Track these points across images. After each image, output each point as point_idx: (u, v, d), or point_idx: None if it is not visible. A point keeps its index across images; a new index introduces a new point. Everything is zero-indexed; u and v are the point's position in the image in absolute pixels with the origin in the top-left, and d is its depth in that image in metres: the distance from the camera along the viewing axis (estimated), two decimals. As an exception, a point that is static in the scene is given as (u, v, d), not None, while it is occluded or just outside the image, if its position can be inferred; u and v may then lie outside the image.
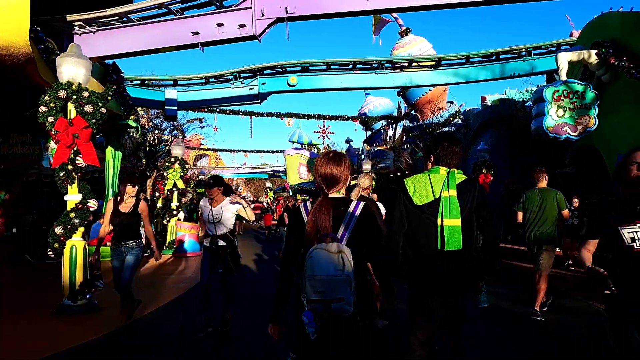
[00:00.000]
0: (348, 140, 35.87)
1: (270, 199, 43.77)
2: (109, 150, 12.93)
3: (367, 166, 19.67)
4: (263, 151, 38.46)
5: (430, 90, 19.91)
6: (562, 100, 9.25)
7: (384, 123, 26.85)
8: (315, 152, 41.39)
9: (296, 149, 39.03)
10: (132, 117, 12.26)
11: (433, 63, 14.19)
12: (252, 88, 13.73)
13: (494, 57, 13.81)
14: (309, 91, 14.06)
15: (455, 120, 20.36)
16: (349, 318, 2.16)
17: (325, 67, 13.93)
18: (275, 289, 2.39)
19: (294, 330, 2.28)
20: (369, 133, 30.29)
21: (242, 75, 13.86)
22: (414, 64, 14.17)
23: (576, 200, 10.96)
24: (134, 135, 13.19)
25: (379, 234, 2.44)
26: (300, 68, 13.90)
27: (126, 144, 18.13)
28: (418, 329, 2.73)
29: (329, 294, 2.09)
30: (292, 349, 2.30)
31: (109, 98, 10.92)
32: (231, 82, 13.73)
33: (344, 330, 2.20)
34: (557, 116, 9.16)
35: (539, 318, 6.18)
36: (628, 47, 9.83)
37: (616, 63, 9.78)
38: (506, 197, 18.06)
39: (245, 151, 37.70)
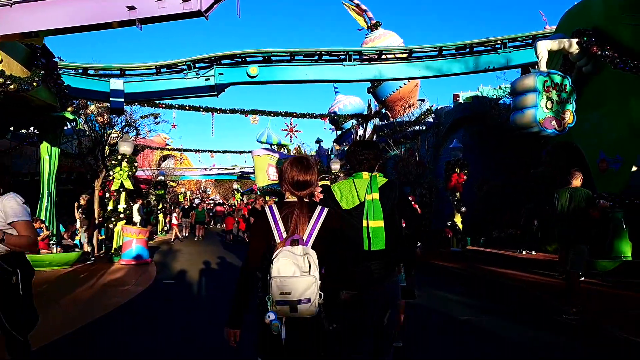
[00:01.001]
0: (318, 141, 34.85)
1: (238, 201, 42.36)
2: (44, 147, 11.52)
3: (335, 166, 18.72)
4: (230, 151, 37.12)
5: (401, 87, 19.11)
6: (551, 91, 8.47)
7: (354, 122, 25.96)
8: (285, 152, 40.27)
9: (265, 149, 37.79)
10: (69, 108, 10.90)
11: (404, 55, 13.32)
12: (208, 79, 12.54)
13: (467, 50, 13.04)
14: (270, 83, 12.98)
15: (427, 119, 19.62)
16: (314, 319, 2.22)
17: (288, 57, 12.87)
18: (235, 293, 2.32)
19: (257, 334, 2.28)
20: (339, 133, 29.37)
21: (197, 64, 12.65)
22: (384, 56, 13.26)
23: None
24: (78, 127, 11.81)
25: (342, 238, 2.50)
26: (261, 58, 12.80)
27: (80, 142, 16.72)
28: (355, 337, 2.87)
29: (295, 295, 2.12)
30: (258, 352, 2.31)
31: (35, 84, 9.68)
32: (185, 72, 12.51)
33: (309, 331, 2.25)
34: (547, 108, 8.35)
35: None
36: (612, 36, 9.13)
37: (599, 52, 9.07)
38: (481, 199, 17.38)
39: (211, 151, 36.27)
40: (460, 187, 14.22)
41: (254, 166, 35.47)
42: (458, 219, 14.33)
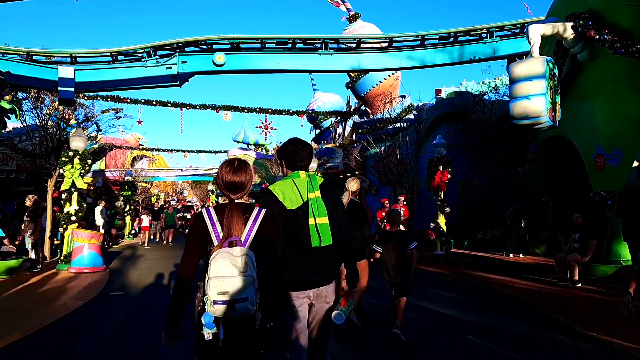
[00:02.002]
0: (296, 140, 33.84)
1: (213, 202, 41.02)
2: (-20, 140, 10.26)
3: (312, 165, 17.69)
4: (204, 151, 35.75)
5: (381, 82, 18.20)
6: (552, 79, 7.63)
7: (333, 120, 25.02)
8: (264, 152, 39.10)
9: (242, 149, 36.64)
10: (6, 97, 9.65)
11: (384, 44, 12.38)
12: (170, 67, 11.38)
13: (451, 39, 12.15)
14: (239, 72, 11.89)
15: (408, 115, 18.75)
16: (251, 318, 2.26)
17: (259, 45, 11.79)
18: (173, 296, 2.33)
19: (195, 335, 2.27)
20: (317, 131, 28.39)
21: (157, 52, 11.48)
22: (363, 45, 12.30)
23: (580, 217, 9.13)
24: (18, 118, 10.52)
25: (278, 241, 2.54)
26: (229, 45, 11.69)
27: (31, 139, 15.36)
28: (292, 327, 2.84)
29: (233, 295, 2.15)
30: (196, 352, 2.29)
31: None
32: (144, 59, 11.33)
33: (247, 331, 2.28)
34: (550, 98, 7.49)
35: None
36: (610, 20, 8.31)
37: (597, 37, 8.22)
38: (465, 199, 16.60)
39: (184, 151, 34.78)
40: (444, 186, 13.35)
41: None
42: (442, 220, 13.46)
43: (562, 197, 12.55)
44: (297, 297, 2.84)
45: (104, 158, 38.31)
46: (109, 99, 17.44)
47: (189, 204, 54.60)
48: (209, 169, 47.50)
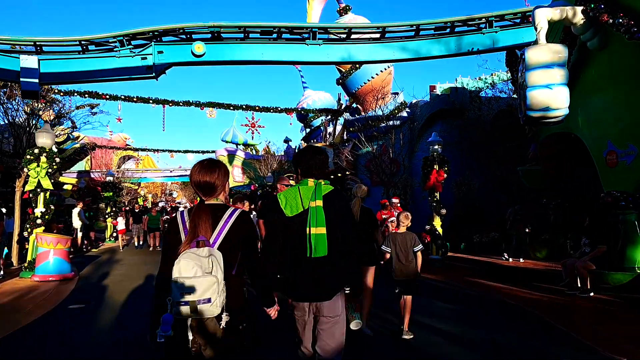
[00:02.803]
0: (287, 140, 33.00)
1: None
2: None
3: (301, 164, 16.89)
4: (192, 151, 34.71)
5: (373, 77, 17.43)
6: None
7: (324, 119, 24.22)
8: (254, 153, 38.21)
9: (230, 149, 35.77)
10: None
11: (377, 35, 11.59)
12: (145, 58, 10.50)
13: (448, 30, 11.40)
14: (220, 63, 11.03)
15: (401, 113, 17.99)
16: (215, 319, 2.23)
17: (242, 34, 10.96)
18: (154, 295, 2.37)
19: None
20: (308, 130, 27.58)
21: (131, 41, 10.60)
22: (354, 36, 11.50)
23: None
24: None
25: (254, 243, 2.47)
26: (209, 34, 10.84)
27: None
28: (297, 331, 2.92)
29: (196, 296, 2.11)
30: (165, 353, 2.31)
31: None
32: (116, 49, 10.43)
33: (209, 331, 2.24)
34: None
35: None
36: (623, 2, 7.59)
37: (610, 21, 7.49)
38: (461, 200, 15.86)
39: (171, 151, 33.81)
40: (440, 186, 12.57)
41: None
42: (437, 223, 12.68)
43: (565, 198, 11.83)
44: (296, 306, 2.86)
45: (88, 158, 37.33)
46: (86, 95, 16.54)
47: (178, 205, 53.46)
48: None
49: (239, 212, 2.42)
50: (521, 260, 12.01)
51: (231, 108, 19.33)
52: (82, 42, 10.44)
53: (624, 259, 7.76)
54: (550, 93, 6.69)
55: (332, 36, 11.46)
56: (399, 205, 12.78)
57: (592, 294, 7.49)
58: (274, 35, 11.15)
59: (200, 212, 2.35)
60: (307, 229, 2.75)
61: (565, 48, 7.06)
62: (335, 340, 2.82)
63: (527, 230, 12.20)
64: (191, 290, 2.11)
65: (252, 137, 29.19)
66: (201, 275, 2.12)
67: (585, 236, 8.00)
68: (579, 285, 7.72)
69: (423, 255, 5.44)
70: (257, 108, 19.73)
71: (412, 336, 5.14)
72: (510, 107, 16.14)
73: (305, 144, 23.15)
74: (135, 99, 17.30)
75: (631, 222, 7.74)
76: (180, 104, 18.37)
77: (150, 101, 17.62)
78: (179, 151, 37.16)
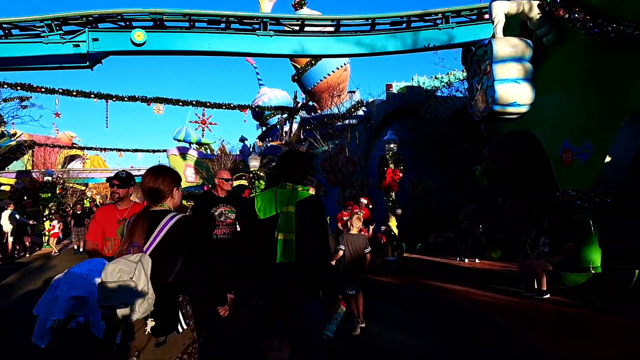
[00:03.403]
0: (242, 139, 32.11)
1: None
2: None
3: (254, 163, 16.22)
4: (141, 150, 33.38)
5: (329, 74, 17.00)
6: None
7: (280, 117, 23.62)
8: (209, 152, 36.99)
9: (183, 148, 34.47)
10: None
11: (331, 29, 11.13)
12: (78, 45, 9.58)
13: (404, 24, 11.09)
14: (162, 53, 10.25)
15: (358, 112, 17.64)
16: (135, 323, 2.25)
17: (187, 23, 10.22)
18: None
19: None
20: (264, 129, 26.87)
21: (62, 26, 9.65)
22: (308, 28, 10.99)
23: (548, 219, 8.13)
24: None
25: (197, 249, 2.45)
26: (151, 21, 10.04)
27: None
28: (267, 337, 2.87)
29: (115, 300, 2.15)
30: None
31: None
32: (44, 34, 9.46)
33: (137, 336, 2.28)
34: None
35: None
36: (580, -2, 7.44)
37: (566, 16, 7.30)
38: (416, 200, 15.66)
39: (119, 150, 32.24)
40: (396, 185, 12.23)
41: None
42: (393, 223, 12.34)
43: (520, 197, 11.74)
44: (269, 308, 2.83)
45: (29, 158, 35.11)
46: (18, 87, 15.24)
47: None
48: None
49: (178, 218, 2.39)
50: (477, 260, 11.83)
51: (180, 104, 18.41)
52: (4, 25, 9.40)
53: (579, 259, 7.61)
54: (519, 87, 6.43)
55: (284, 28, 10.89)
56: (365, 204, 12.29)
57: (548, 295, 7.27)
58: (222, 25, 10.48)
59: (139, 218, 2.40)
60: (276, 233, 2.72)
61: (529, 43, 6.83)
62: (316, 340, 2.82)
63: (480, 230, 12.06)
64: (111, 294, 2.15)
65: (203, 135, 28.18)
66: (123, 280, 2.15)
67: (545, 236, 7.79)
68: (536, 286, 7.49)
69: (377, 257, 5.63)
70: (208, 104, 18.91)
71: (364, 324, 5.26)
72: (466, 107, 16.11)
73: (261, 142, 22.49)
74: (74, 93, 16.10)
75: (586, 221, 7.60)
76: (125, 99, 17.30)
77: (92, 95, 16.48)
78: (128, 150, 35.73)
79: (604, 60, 7.22)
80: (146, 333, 2.25)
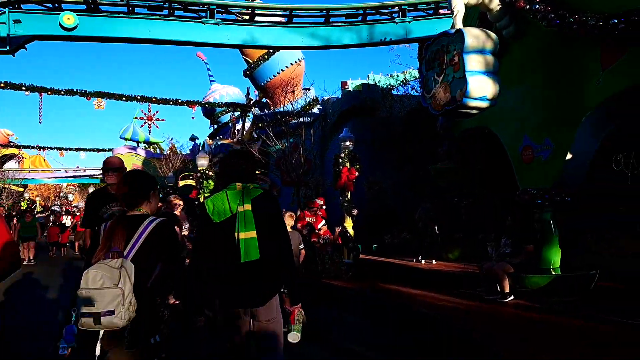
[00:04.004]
0: (193, 138, 30.95)
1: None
2: None
3: (202, 162, 15.35)
4: (84, 149, 31.49)
5: (282, 70, 16.39)
6: None
7: (232, 115, 22.75)
8: (158, 151, 35.47)
9: (130, 147, 32.90)
10: None
11: (284, 19, 10.51)
12: (-4, 27, 8.50)
13: (360, 17, 10.64)
14: (95, 40, 9.32)
15: (313, 109, 17.11)
16: (120, 331, 2.21)
17: (125, 8, 9.32)
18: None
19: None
20: (215, 127, 25.87)
21: (-22, 5, 8.54)
22: (259, 18, 10.32)
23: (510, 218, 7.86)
24: None
25: (174, 253, 2.50)
26: (83, 4, 9.07)
27: None
28: (229, 339, 2.82)
29: (99, 307, 2.11)
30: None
31: None
32: (-44, 13, 8.33)
33: (114, 343, 2.25)
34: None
35: None
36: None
37: (527, 7, 7.01)
38: (372, 200, 15.29)
39: (59, 149, 30.27)
40: (351, 185, 11.76)
41: None
42: (349, 224, 11.86)
43: (479, 196, 11.56)
44: (230, 313, 2.76)
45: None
46: (-64, 77, 13.67)
47: (75, 209, 48.77)
48: (94, 169, 42.60)
49: (157, 222, 2.41)
50: (434, 262, 11.53)
51: (124, 99, 17.22)
52: None
53: (540, 260, 7.36)
54: (489, 81, 6.08)
55: (233, 17, 10.18)
56: (323, 207, 11.63)
57: (511, 297, 6.95)
58: (165, 12, 9.64)
59: (117, 222, 2.39)
60: (237, 233, 2.69)
61: (495, 36, 6.50)
62: (276, 341, 2.81)
63: (437, 230, 11.81)
64: (95, 301, 2.10)
65: (150, 132, 26.85)
66: (107, 287, 2.12)
67: (507, 236, 7.49)
68: (498, 289, 7.16)
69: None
70: (154, 100, 17.81)
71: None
72: (422, 106, 15.92)
73: (211, 141, 21.53)
74: (2, 85, 14.67)
75: (547, 220, 7.36)
76: (62, 92, 15.97)
77: (24, 88, 15.08)
78: (70, 149, 33.71)
79: (565, 55, 6.99)
80: (126, 341, 2.24)
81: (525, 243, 7.22)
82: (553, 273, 7.22)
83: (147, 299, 2.27)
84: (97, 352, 2.16)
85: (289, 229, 5.03)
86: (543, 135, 7.33)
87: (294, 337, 3.05)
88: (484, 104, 6.21)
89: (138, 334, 2.26)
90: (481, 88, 6.05)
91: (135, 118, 26.38)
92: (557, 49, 7.08)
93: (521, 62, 7.77)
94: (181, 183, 16.81)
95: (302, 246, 5.76)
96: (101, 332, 2.18)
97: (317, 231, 9.88)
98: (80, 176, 45.80)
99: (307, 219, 10.89)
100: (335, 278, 9.30)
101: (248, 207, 2.72)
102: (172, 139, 28.91)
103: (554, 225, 7.34)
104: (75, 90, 16.02)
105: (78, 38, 9.08)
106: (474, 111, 6.38)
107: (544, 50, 7.35)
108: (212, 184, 13.05)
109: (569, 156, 6.95)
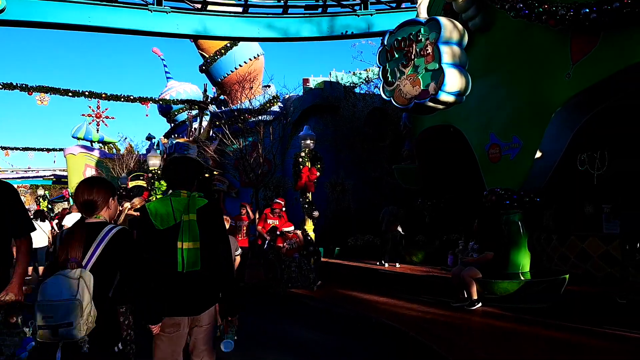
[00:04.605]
0: (149, 137, 29.66)
1: (45, 210, 34.49)
2: None
3: (154, 161, 14.45)
4: (32, 149, 29.69)
5: (240, 65, 15.64)
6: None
7: (189, 113, 21.79)
8: (114, 151, 33.83)
9: (84, 147, 31.28)
10: None
11: (239, 9, 9.84)
12: None
13: (320, 9, 10.09)
14: (25, 25, 8.36)
15: (273, 107, 16.43)
16: (76, 343, 2.20)
17: (60, -9, 8.41)
18: None
19: None
20: (172, 126, 24.77)
21: None
22: (212, 7, 9.61)
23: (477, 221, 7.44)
24: None
25: (136, 263, 2.48)
26: (11, -15, 8.11)
27: None
28: (160, 349, 2.75)
29: (57, 319, 2.11)
30: None
31: None
32: None
33: (71, 355, 2.23)
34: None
35: None
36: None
37: (494, -4, 6.68)
38: (334, 201, 14.80)
39: (4, 148, 28.37)
40: (312, 185, 11.20)
41: (67, 168, 29.45)
42: (310, 227, 11.30)
43: (441, 198, 11.21)
44: (169, 322, 2.68)
45: None
46: None
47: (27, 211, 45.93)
48: (45, 169, 40.44)
49: (116, 231, 2.42)
50: (397, 265, 11.11)
51: (70, 94, 16.06)
52: None
53: (508, 263, 7.00)
54: (462, 75, 5.68)
55: (184, 5, 9.43)
56: (283, 209, 10.87)
57: (479, 305, 6.55)
58: (107, -4, 8.78)
59: (75, 231, 2.36)
60: (180, 243, 2.66)
61: (463, 28, 6.08)
62: (210, 344, 2.86)
63: (401, 232, 11.41)
64: (53, 313, 2.09)
65: (98, 130, 25.54)
66: (65, 299, 2.10)
67: (474, 240, 7.09)
68: (465, 296, 6.75)
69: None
70: (103, 96, 16.70)
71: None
72: (386, 104, 15.54)
73: (166, 140, 20.51)
74: None
75: (515, 222, 7.01)
76: (1, 86, 14.70)
77: (-48, 80, 13.74)
78: (16, 148, 31.77)
79: (533, 47, 6.65)
80: (85, 351, 2.23)
81: (487, 248, 6.82)
82: (522, 277, 6.88)
83: (107, 308, 2.29)
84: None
85: None
86: (511, 132, 6.99)
87: (228, 345, 2.96)
88: (454, 99, 5.76)
89: (99, 344, 2.25)
90: (456, 82, 5.61)
91: (83, 115, 24.88)
92: (525, 41, 6.74)
93: (487, 56, 7.40)
94: (131, 184, 15.80)
95: (238, 251, 5.67)
96: (60, 344, 2.14)
97: (284, 233, 9.10)
98: (30, 177, 43.39)
99: (270, 221, 10.22)
100: (302, 288, 8.55)
101: (193, 217, 2.71)
102: (126, 138, 27.53)
103: (523, 227, 7.01)
104: (15, 84, 14.76)
105: (6, 23, 8.11)
106: (441, 106, 5.92)
107: (511, 43, 7.00)
108: (165, 184, 12.20)
109: (538, 154, 6.61)
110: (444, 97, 5.60)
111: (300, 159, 11.06)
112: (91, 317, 2.16)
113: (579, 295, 6.92)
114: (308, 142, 11.23)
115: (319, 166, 11.19)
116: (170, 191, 2.91)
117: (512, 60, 7.00)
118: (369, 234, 14.35)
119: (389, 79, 6.19)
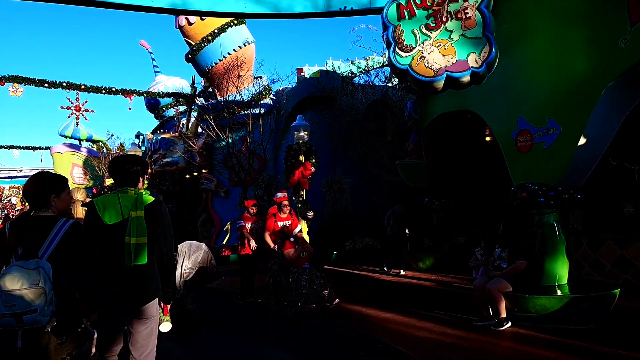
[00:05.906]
0: (138, 134, 28.43)
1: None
2: None
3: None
4: (18, 147, 28.42)
5: (229, 53, 14.36)
6: None
7: (177, 107, 20.54)
8: (105, 151, 32.54)
9: (71, 145, 30.08)
10: None
11: (223, -19, 8.53)
12: None
13: (316, -19, 8.77)
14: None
15: (265, 100, 15.19)
16: (42, 328, 2.33)
17: (9, -49, 7.13)
18: None
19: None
20: (160, 122, 23.52)
21: None
22: (191, -22, 8.31)
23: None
24: None
25: (88, 254, 2.66)
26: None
27: None
28: (106, 340, 2.87)
29: (20, 307, 2.23)
30: None
31: None
32: None
33: (36, 340, 2.35)
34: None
35: None
36: None
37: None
38: (331, 201, 13.60)
39: (-12, 146, 27.06)
40: (306, 182, 9.96)
41: (53, 166, 28.32)
42: (304, 228, 10.04)
43: (450, 197, 9.99)
44: (111, 311, 2.82)
45: None
46: None
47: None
48: (32, 169, 39.16)
49: (71, 224, 2.59)
50: (402, 272, 9.86)
51: (46, 85, 14.76)
52: None
53: (543, 274, 5.76)
54: (496, 47, 4.53)
55: (158, -27, 8.13)
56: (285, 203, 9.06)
57: (509, 324, 5.32)
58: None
59: (26, 224, 2.48)
60: (128, 238, 2.76)
61: None
62: (151, 340, 2.93)
63: (408, 235, 10.20)
64: (16, 302, 2.21)
65: (77, 124, 24.33)
66: (27, 288, 2.23)
67: (501, 247, 5.85)
68: (491, 313, 5.52)
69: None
70: (83, 87, 15.41)
71: None
72: (387, 95, 14.35)
73: (152, 135, 19.25)
74: None
75: (551, 224, 5.77)
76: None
77: None
78: (2, 147, 30.60)
79: (577, 7, 5.43)
80: (48, 336, 2.37)
81: (518, 257, 5.59)
82: (558, 291, 5.64)
83: (66, 295, 2.44)
84: (19, 345, 2.23)
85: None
86: (545, 115, 5.74)
87: (166, 326, 3.29)
88: (484, 76, 4.54)
89: (62, 327, 2.43)
90: (497, 56, 4.43)
91: (62, 108, 23.63)
92: (567, 2, 5.52)
93: (514, 25, 6.14)
94: (108, 182, 14.54)
95: (212, 262, 5.57)
96: (20, 331, 2.25)
97: (296, 236, 7.11)
98: (19, 177, 42.05)
99: (280, 223, 7.30)
100: (316, 304, 6.69)
101: (141, 213, 2.83)
102: (112, 135, 26.28)
103: (560, 230, 5.76)
104: (-19, 73, 13.47)
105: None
106: (476, 84, 4.68)
107: (548, 8, 5.77)
108: (147, 182, 10.89)
109: (581, 141, 5.37)
110: (486, 72, 4.39)
111: (293, 152, 9.79)
112: (54, 303, 2.32)
113: (632, 312, 5.71)
114: (302, 133, 9.97)
115: (313, 161, 9.95)
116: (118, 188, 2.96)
117: (548, 28, 5.76)
118: (369, 237, 13.17)
119: (405, 42, 4.89)
